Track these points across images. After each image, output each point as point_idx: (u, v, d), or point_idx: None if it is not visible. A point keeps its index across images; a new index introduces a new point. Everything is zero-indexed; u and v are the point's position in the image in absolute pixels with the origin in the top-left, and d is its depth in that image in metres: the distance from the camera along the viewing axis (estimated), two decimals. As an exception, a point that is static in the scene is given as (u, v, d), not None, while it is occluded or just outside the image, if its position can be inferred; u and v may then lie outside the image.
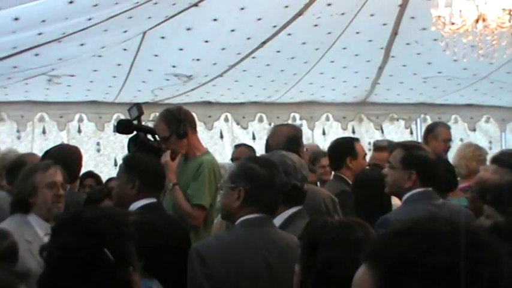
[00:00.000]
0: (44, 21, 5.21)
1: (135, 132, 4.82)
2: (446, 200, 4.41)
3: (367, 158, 6.12)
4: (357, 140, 5.96)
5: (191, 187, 4.60)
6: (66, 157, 4.73)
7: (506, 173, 4.31)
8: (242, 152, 6.94)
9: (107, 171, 8.25)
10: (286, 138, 4.55)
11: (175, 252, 3.45)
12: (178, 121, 4.69)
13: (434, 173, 4.07)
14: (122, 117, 7.50)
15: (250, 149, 7.23)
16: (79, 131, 8.55)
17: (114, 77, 7.48)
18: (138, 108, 4.83)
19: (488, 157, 6.15)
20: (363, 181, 5.06)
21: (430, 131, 7.04)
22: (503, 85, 8.44)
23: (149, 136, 4.81)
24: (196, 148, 4.79)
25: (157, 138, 4.78)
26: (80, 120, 8.49)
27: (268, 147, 4.55)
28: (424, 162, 4.00)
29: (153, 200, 4.06)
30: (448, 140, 6.92)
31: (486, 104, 9.31)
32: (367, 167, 5.79)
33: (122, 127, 4.89)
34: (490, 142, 9.66)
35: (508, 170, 4.41)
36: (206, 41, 6.82)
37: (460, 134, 9.34)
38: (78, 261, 2.40)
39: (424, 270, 1.27)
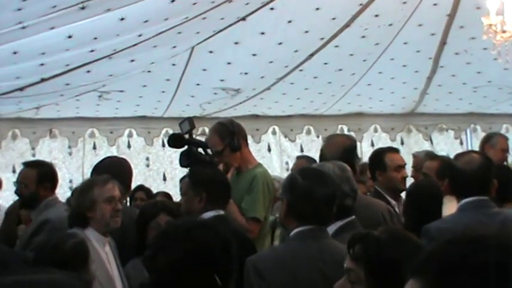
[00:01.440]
0: (96, 38, 5.31)
1: (186, 147, 4.86)
2: (502, 209, 4.32)
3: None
4: (390, 150, 5.67)
5: (245, 200, 4.62)
6: (117, 170, 4.77)
7: None
8: (301, 164, 6.95)
9: (156, 186, 8.31)
10: (342, 149, 4.53)
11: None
12: (232, 134, 4.71)
13: (461, 182, 4.03)
14: (171, 131, 7.57)
15: (311, 160, 7.22)
16: (129, 146, 8.64)
17: (163, 92, 7.55)
18: (189, 122, 4.86)
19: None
20: (412, 191, 5.01)
21: (487, 140, 6.95)
22: None
23: (201, 150, 4.84)
24: (249, 161, 4.81)
25: (209, 152, 4.80)
26: (130, 135, 8.59)
27: (323, 157, 4.52)
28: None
29: (221, 211, 4.10)
30: (506, 150, 6.82)
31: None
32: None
33: (173, 141, 4.93)
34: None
35: None
36: (254, 55, 6.86)
37: (512, 145, 9.19)
38: (187, 281, 2.42)
39: (473, 270, 1.26)
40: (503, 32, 4.76)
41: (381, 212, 4.43)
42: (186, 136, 4.86)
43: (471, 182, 4.00)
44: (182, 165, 4.82)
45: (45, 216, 4.65)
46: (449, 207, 4.52)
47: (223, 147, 4.69)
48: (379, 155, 5.55)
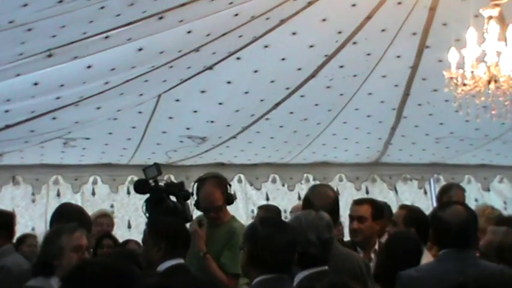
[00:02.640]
0: (62, 85, 5.32)
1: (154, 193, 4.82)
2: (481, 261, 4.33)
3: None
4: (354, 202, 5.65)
5: (226, 256, 4.61)
6: (80, 217, 4.71)
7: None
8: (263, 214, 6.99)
9: (121, 233, 8.22)
10: (331, 201, 4.55)
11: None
12: (227, 187, 4.70)
13: (446, 233, 4.06)
14: (136, 179, 7.53)
15: (272, 210, 7.24)
16: (93, 193, 8.58)
17: (129, 139, 7.55)
18: (156, 168, 4.83)
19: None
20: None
21: (445, 191, 7.06)
22: (516, 146, 8.46)
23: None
24: (223, 212, 4.79)
25: (177, 199, 4.76)
26: (94, 182, 8.52)
27: (310, 206, 4.50)
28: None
29: (180, 260, 4.07)
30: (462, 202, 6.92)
31: (499, 164, 9.29)
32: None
33: (139, 187, 4.89)
34: (505, 203, 9.61)
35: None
36: (220, 103, 6.92)
37: (474, 194, 9.32)
38: None
39: None
40: (464, 85, 4.87)
41: (358, 264, 4.44)
42: (152, 182, 4.84)
43: (456, 234, 4.05)
44: (147, 211, 4.79)
45: (1, 263, 4.58)
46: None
47: (223, 202, 4.69)
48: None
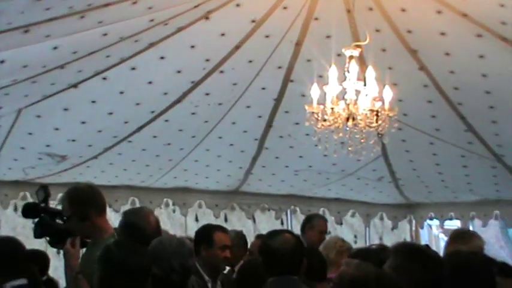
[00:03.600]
0: None
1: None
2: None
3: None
4: (221, 229, 5.73)
5: None
6: None
7: (369, 268, 4.48)
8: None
9: None
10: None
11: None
12: (83, 202, 4.51)
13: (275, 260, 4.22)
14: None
15: None
16: None
17: (-17, 153, 7.26)
18: (44, 190, 4.63)
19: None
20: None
21: (308, 221, 7.30)
22: (369, 182, 8.83)
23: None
24: (104, 230, 4.56)
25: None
26: None
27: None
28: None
29: (23, 281, 3.91)
30: (324, 232, 7.18)
31: (352, 199, 9.65)
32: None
33: (27, 211, 4.68)
34: (356, 236, 10.00)
35: (371, 265, 4.58)
36: (83, 122, 6.80)
37: (328, 227, 9.60)
38: None
39: None
40: (324, 120, 5.06)
41: None
42: (42, 205, 4.62)
43: (284, 261, 4.20)
44: (35, 236, 4.57)
45: None
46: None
47: (71, 214, 4.49)
48: (208, 230, 5.60)
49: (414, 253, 3.74)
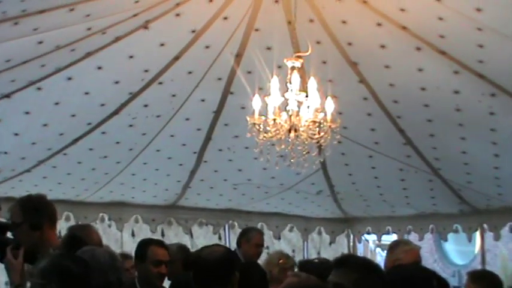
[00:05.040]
0: None
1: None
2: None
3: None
4: (157, 243, 5.60)
5: None
6: None
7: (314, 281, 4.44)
8: None
9: None
10: None
11: None
12: (36, 210, 4.34)
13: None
14: None
15: None
16: None
17: None
18: None
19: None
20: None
21: (243, 234, 7.22)
22: (308, 196, 8.82)
23: None
24: (52, 243, 4.41)
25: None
26: None
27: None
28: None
29: None
30: (260, 245, 7.11)
31: (291, 213, 9.63)
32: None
33: None
34: (294, 251, 9.98)
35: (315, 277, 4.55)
36: (16, 134, 6.57)
37: (266, 241, 9.52)
38: None
39: None
40: (266, 132, 4.99)
41: None
42: None
43: (211, 272, 4.15)
44: None
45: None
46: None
47: (22, 221, 4.31)
48: (143, 245, 5.50)
49: (371, 267, 3.72)
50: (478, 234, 8.94)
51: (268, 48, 5.96)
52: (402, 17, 5.44)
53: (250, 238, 7.27)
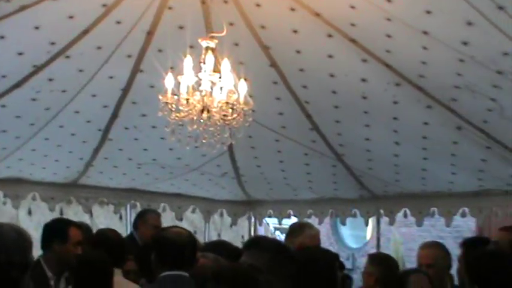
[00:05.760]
0: None
1: None
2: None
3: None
4: (75, 224, 5.49)
5: None
6: None
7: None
8: None
9: None
10: None
11: None
12: None
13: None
14: None
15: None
16: None
17: None
18: None
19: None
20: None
21: (140, 216, 7.17)
22: (212, 177, 8.81)
23: None
24: None
25: None
26: None
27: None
28: None
29: None
30: (157, 226, 7.07)
31: (194, 194, 9.59)
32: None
33: None
34: (195, 232, 9.92)
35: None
36: None
37: (168, 222, 9.44)
38: None
39: None
40: (178, 112, 4.94)
41: None
42: None
43: (179, 256, 4.19)
44: None
45: None
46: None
47: None
48: (62, 225, 5.38)
49: (282, 248, 3.80)
50: (371, 219, 9.21)
51: (181, 27, 5.86)
52: (315, 4, 5.47)
53: (147, 220, 7.24)
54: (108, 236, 5.70)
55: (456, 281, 5.94)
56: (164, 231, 4.60)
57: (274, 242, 4.01)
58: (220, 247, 5.01)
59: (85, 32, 5.84)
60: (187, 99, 4.89)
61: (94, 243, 5.54)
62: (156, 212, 7.88)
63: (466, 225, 10.95)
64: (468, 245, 5.21)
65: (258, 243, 3.89)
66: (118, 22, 5.81)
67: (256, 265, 3.63)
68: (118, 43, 6.05)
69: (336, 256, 5.26)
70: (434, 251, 5.76)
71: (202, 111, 4.93)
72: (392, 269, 5.59)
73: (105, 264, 4.70)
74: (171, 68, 5.54)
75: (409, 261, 12.43)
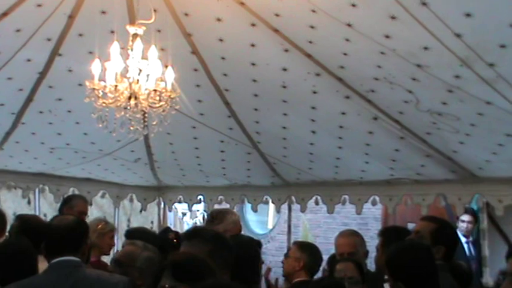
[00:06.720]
0: None
1: None
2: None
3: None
4: None
5: None
6: None
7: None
8: None
9: None
10: None
11: None
12: None
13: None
14: None
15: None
16: None
17: None
18: None
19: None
20: None
21: (66, 202, 7.07)
22: (125, 163, 8.74)
23: None
24: None
25: None
26: None
27: None
28: None
29: None
30: (84, 212, 6.98)
31: (105, 179, 9.49)
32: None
33: None
34: (105, 217, 9.82)
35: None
36: None
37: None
38: None
39: None
40: (105, 98, 4.89)
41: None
42: None
43: (64, 241, 4.11)
44: None
45: None
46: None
47: None
48: None
49: (222, 238, 3.87)
50: (270, 206, 9.38)
51: (103, 12, 5.78)
52: (241, -8, 5.52)
53: (74, 205, 7.10)
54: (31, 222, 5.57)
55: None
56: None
57: (213, 232, 4.08)
58: (146, 234, 5.02)
59: (4, 14, 5.65)
60: (115, 86, 4.85)
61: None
62: (83, 198, 7.73)
63: (370, 212, 11.26)
64: (387, 235, 5.37)
65: (198, 234, 3.94)
66: (39, 5, 5.64)
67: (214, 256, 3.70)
68: (38, 26, 5.89)
69: (260, 243, 5.43)
70: (354, 239, 5.97)
71: (129, 98, 4.90)
72: (317, 256, 5.84)
73: (30, 249, 4.61)
74: (90, 52, 5.50)
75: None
